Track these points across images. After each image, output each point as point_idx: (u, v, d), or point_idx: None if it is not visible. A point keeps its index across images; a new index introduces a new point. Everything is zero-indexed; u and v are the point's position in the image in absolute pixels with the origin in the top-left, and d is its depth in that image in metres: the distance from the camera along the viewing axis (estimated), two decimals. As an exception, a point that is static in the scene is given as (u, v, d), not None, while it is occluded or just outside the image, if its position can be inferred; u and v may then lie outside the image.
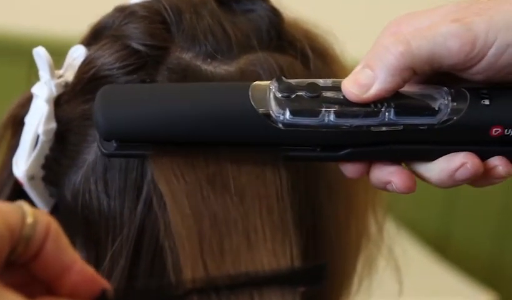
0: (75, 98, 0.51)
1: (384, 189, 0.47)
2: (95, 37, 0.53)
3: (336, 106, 0.45)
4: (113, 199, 0.49)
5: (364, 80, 0.45)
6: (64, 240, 0.40)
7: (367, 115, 0.45)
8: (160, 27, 0.51)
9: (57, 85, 0.51)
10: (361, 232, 0.59)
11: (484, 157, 0.46)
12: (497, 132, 0.46)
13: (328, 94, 0.45)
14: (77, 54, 0.52)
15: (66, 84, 0.52)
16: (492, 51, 0.44)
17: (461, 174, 0.46)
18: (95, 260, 0.50)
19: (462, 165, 0.45)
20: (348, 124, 0.45)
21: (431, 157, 0.46)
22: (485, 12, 0.44)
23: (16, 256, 0.39)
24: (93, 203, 0.50)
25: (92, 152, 0.50)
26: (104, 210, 0.50)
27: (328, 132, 0.45)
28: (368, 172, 0.47)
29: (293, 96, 0.45)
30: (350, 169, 0.47)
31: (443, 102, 0.45)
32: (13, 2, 1.62)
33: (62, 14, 1.53)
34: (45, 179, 0.52)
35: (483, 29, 0.44)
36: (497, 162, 0.46)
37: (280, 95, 0.45)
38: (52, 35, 1.43)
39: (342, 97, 0.45)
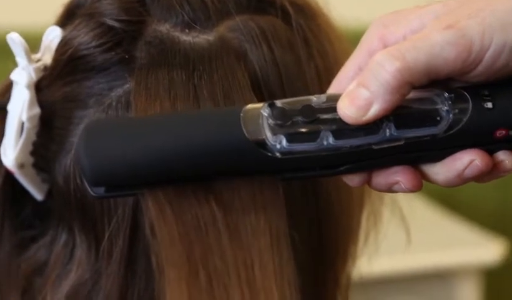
0: (55, 81, 0.50)
1: (390, 190, 0.45)
2: (69, 16, 0.52)
3: (334, 127, 0.43)
4: None
5: (361, 102, 0.42)
6: None
7: (367, 133, 0.43)
8: (134, 1, 0.50)
9: (36, 70, 0.50)
10: (363, 188, 0.58)
11: (489, 152, 0.44)
12: (502, 134, 0.44)
13: (325, 116, 0.43)
14: (53, 36, 0.51)
15: (45, 68, 0.51)
16: (489, 54, 0.42)
17: (471, 172, 0.44)
18: (94, 242, 0.50)
19: (470, 162, 0.44)
20: (347, 145, 0.43)
21: (436, 160, 0.45)
22: (477, 13, 0.42)
23: None
24: (86, 186, 0.49)
25: (79, 134, 0.49)
26: None
27: (327, 155, 0.43)
28: (370, 178, 0.45)
29: (289, 123, 0.43)
30: (351, 180, 0.45)
31: (444, 108, 0.44)
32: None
33: (40, 8, 1.52)
34: (35, 165, 0.51)
35: (477, 32, 0.42)
36: (504, 157, 0.45)
37: (274, 123, 0.43)
38: (31, 29, 1.42)
39: (339, 118, 0.43)
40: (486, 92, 0.44)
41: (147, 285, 0.49)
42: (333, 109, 0.43)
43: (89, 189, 0.44)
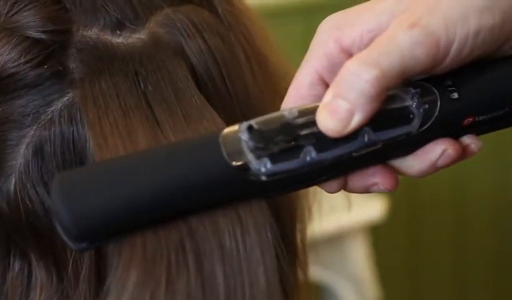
0: None
1: (367, 191, 0.45)
2: None
3: (315, 141, 0.42)
4: None
5: (342, 114, 0.41)
6: None
7: (347, 141, 0.43)
8: (56, 8, 0.47)
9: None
10: None
11: (455, 138, 0.45)
12: (469, 122, 0.45)
13: (304, 131, 0.42)
14: None
15: None
16: (454, 47, 0.43)
17: (443, 161, 0.44)
18: (54, 267, 0.47)
19: (443, 152, 0.44)
20: (330, 157, 0.43)
21: (408, 154, 0.45)
22: (435, 7, 0.42)
23: None
24: (38, 208, 0.46)
25: (20, 156, 0.47)
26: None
27: (311, 169, 0.43)
28: (346, 182, 0.45)
29: (271, 145, 0.42)
30: (330, 186, 0.45)
31: (414, 105, 0.44)
32: None
33: None
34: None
35: (441, 27, 0.42)
36: (469, 141, 0.45)
37: (255, 146, 0.42)
38: None
39: (318, 131, 0.42)
40: (450, 82, 0.44)
41: None
42: (311, 123, 0.43)
43: (71, 245, 0.41)
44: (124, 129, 0.44)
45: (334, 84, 0.42)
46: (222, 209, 0.42)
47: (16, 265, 0.48)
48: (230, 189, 0.42)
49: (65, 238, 0.41)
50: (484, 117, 0.45)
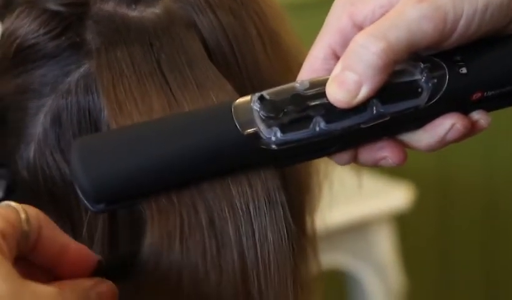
0: (4, 74, 0.49)
1: (376, 165, 0.46)
2: (6, 6, 0.51)
3: (324, 112, 0.44)
4: None
5: (350, 86, 0.43)
6: (54, 225, 0.42)
7: (355, 113, 0.44)
8: None
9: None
10: None
11: (464, 113, 0.46)
12: (477, 97, 0.46)
13: (314, 102, 0.44)
14: None
15: None
16: (462, 22, 0.44)
17: (452, 135, 0.45)
18: (71, 231, 0.49)
19: (452, 127, 0.45)
20: (339, 128, 0.44)
21: (416, 128, 0.46)
22: None
23: (19, 251, 0.40)
24: (55, 174, 0.48)
25: (39, 125, 0.49)
26: (68, 178, 0.48)
27: (320, 139, 0.44)
28: (357, 155, 0.46)
29: (281, 115, 0.44)
30: (341, 158, 0.46)
31: (422, 79, 0.45)
32: None
33: None
34: (-9, 161, 0.50)
35: (449, 2, 0.43)
36: (478, 116, 0.46)
37: (266, 116, 0.44)
38: None
39: (328, 102, 0.44)
40: (459, 58, 0.45)
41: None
42: (321, 95, 0.44)
43: (89, 206, 0.44)
44: (138, 94, 0.46)
45: (343, 56, 0.44)
46: (234, 177, 0.44)
47: None
48: (242, 157, 0.44)
49: (83, 200, 0.43)
50: (493, 92, 0.46)
